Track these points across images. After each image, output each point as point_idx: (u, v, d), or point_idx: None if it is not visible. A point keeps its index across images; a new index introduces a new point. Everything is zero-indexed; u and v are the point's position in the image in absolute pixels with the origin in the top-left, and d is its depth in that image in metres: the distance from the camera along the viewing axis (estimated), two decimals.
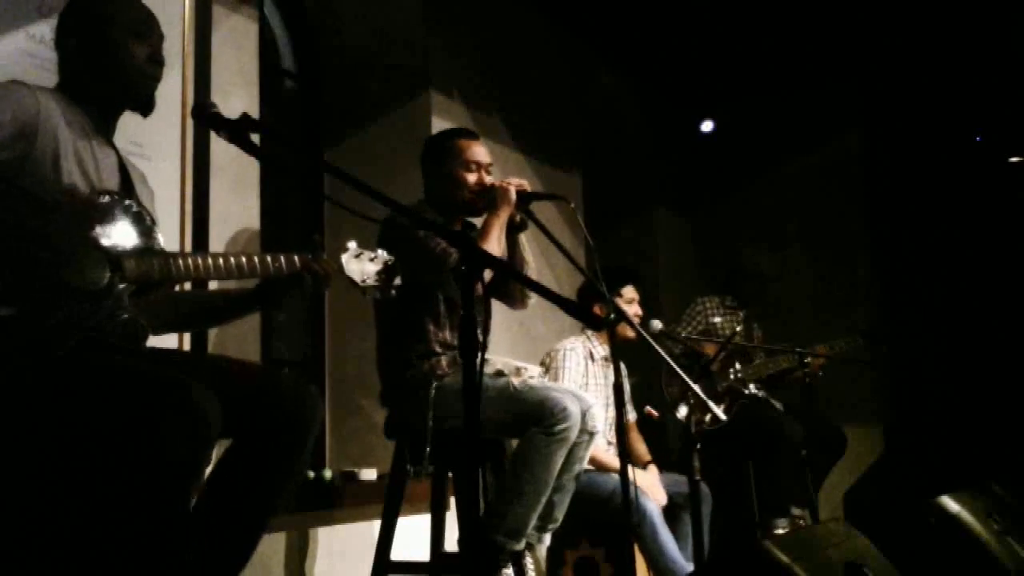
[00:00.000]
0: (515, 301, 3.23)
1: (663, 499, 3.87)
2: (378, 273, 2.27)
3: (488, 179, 3.10)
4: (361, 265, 2.27)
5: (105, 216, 2.03)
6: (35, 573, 1.89)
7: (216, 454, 1.99)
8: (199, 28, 3.20)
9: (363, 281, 2.26)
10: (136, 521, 1.79)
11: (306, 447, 2.10)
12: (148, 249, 2.09)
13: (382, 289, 2.28)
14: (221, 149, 3.11)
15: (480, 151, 3.13)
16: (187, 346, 3.02)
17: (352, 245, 2.28)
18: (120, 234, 2.04)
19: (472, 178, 3.09)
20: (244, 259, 2.15)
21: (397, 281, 2.29)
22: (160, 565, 1.80)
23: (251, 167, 3.38)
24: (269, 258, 2.18)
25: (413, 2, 4.35)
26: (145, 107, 2.21)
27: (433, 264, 2.90)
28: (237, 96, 3.34)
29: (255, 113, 3.41)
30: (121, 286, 2.00)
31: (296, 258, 2.19)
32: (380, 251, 2.31)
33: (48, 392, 1.88)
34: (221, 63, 3.30)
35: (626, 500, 2.56)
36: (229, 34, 3.38)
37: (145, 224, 2.12)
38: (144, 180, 2.30)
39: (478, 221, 3.11)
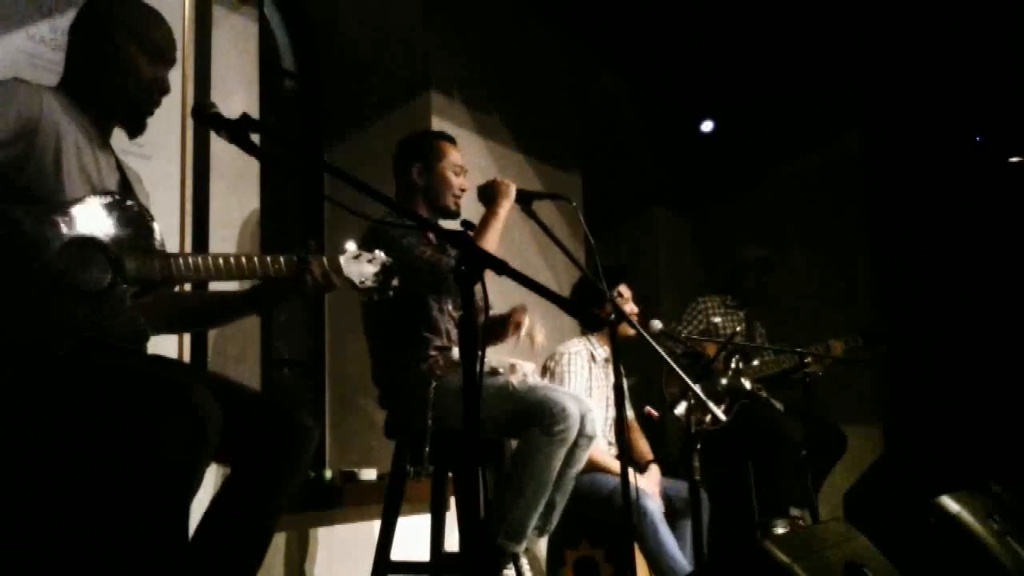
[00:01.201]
0: None
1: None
2: (376, 275, 2.29)
3: (465, 184, 3.16)
4: (359, 267, 2.29)
5: (106, 216, 2.03)
6: (35, 573, 1.89)
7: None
8: (199, 28, 3.20)
9: (362, 283, 2.28)
10: (135, 521, 1.79)
11: (300, 476, 2.11)
12: (148, 250, 2.09)
13: (380, 291, 2.31)
14: (221, 149, 3.11)
15: (459, 155, 3.20)
16: (187, 345, 3.02)
17: (350, 247, 2.31)
18: (121, 234, 2.04)
19: (457, 181, 3.12)
20: (244, 260, 2.16)
21: (395, 282, 2.31)
22: (159, 565, 1.80)
23: (251, 167, 3.38)
24: (269, 259, 2.19)
25: (413, 2, 4.35)
26: (135, 128, 2.21)
27: (420, 275, 2.89)
28: (237, 96, 3.34)
29: (255, 113, 3.41)
30: (123, 287, 2.00)
31: (295, 260, 2.20)
32: (378, 252, 2.33)
33: (49, 392, 1.88)
34: (221, 63, 3.30)
35: (626, 499, 2.56)
36: (229, 34, 3.38)
37: (145, 224, 2.12)
38: (140, 181, 2.30)
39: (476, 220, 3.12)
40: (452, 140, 3.23)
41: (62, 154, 2.02)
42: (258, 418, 2.06)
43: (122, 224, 2.06)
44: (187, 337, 3.01)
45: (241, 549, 2.05)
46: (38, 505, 1.89)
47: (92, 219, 2.01)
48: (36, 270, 1.89)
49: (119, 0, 2.21)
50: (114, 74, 2.15)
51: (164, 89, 2.20)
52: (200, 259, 2.13)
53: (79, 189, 2.04)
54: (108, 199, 2.06)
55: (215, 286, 2.51)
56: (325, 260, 2.24)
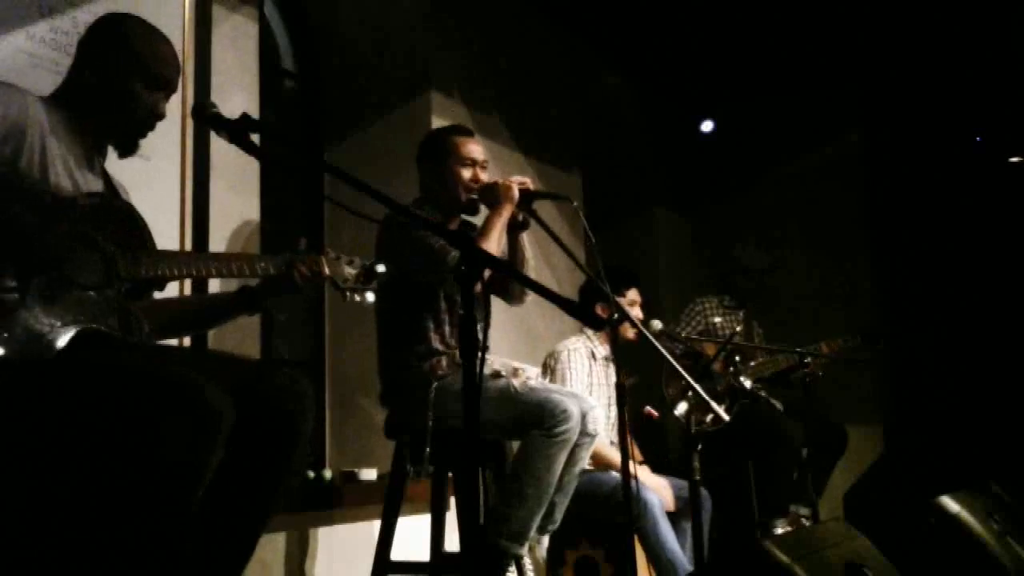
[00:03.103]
0: (513, 298, 3.22)
1: (671, 503, 3.86)
2: (356, 276, 2.40)
3: (483, 175, 3.09)
4: (339, 268, 2.38)
5: (98, 215, 2.04)
6: (36, 574, 1.89)
7: None
8: (199, 28, 3.20)
9: (344, 282, 2.38)
10: (139, 522, 1.79)
11: (302, 441, 2.09)
12: (140, 248, 2.10)
13: (360, 291, 2.42)
14: (221, 149, 3.11)
15: (475, 148, 3.12)
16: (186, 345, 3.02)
17: (330, 251, 2.40)
18: (114, 233, 2.05)
19: (468, 174, 3.07)
20: (232, 260, 2.21)
21: (374, 285, 2.42)
22: (161, 566, 1.79)
23: (251, 167, 3.39)
24: (255, 259, 2.24)
25: (413, 2, 4.35)
26: (126, 150, 2.22)
27: (434, 263, 2.89)
28: (237, 96, 3.34)
29: (255, 113, 3.41)
30: (116, 284, 2.01)
31: (282, 261, 2.25)
32: (357, 258, 2.43)
33: (50, 391, 1.87)
34: (221, 63, 3.30)
35: (627, 496, 2.56)
36: (229, 34, 3.38)
37: (137, 224, 2.13)
38: (126, 192, 2.31)
39: (477, 220, 3.11)
40: (465, 132, 3.18)
41: (48, 158, 2.03)
42: (256, 383, 2.05)
43: (114, 223, 2.06)
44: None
45: (239, 523, 2.04)
46: (39, 505, 1.88)
47: (85, 217, 2.01)
48: (35, 267, 1.90)
49: (132, 28, 2.20)
50: (112, 104, 2.15)
51: (160, 116, 2.21)
52: (190, 259, 2.16)
53: (67, 190, 2.04)
54: (99, 199, 2.08)
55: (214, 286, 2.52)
56: (313, 257, 2.31)
